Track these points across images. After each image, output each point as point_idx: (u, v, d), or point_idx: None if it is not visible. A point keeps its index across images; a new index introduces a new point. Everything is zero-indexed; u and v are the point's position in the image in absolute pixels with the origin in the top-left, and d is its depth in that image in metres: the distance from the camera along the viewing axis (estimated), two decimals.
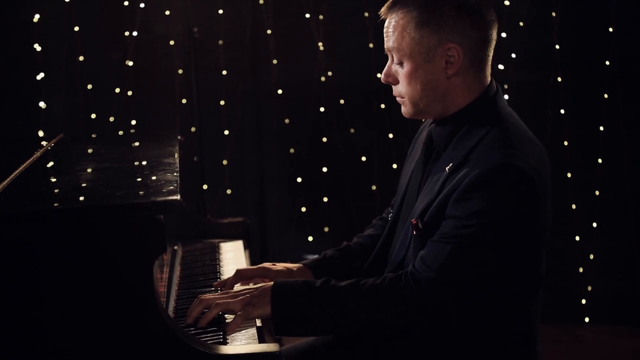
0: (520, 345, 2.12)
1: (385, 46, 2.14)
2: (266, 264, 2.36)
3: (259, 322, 2.11)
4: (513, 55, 4.35)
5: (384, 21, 2.16)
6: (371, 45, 4.42)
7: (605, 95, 4.37)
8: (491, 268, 2.00)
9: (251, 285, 2.22)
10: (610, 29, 4.32)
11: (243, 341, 2.03)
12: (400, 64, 2.12)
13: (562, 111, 4.38)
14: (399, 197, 2.31)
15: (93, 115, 4.38)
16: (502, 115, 2.10)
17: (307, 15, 4.44)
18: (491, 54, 2.13)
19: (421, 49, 2.08)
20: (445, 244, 1.99)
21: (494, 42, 2.13)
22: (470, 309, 2.04)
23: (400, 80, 2.13)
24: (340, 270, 2.38)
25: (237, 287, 2.30)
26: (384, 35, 2.14)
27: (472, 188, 1.98)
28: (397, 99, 2.18)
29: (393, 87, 2.17)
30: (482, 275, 1.99)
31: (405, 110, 2.17)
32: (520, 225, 2.00)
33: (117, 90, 4.38)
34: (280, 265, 2.36)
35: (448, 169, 2.07)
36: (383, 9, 2.15)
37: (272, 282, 2.09)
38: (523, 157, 2.00)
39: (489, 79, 2.14)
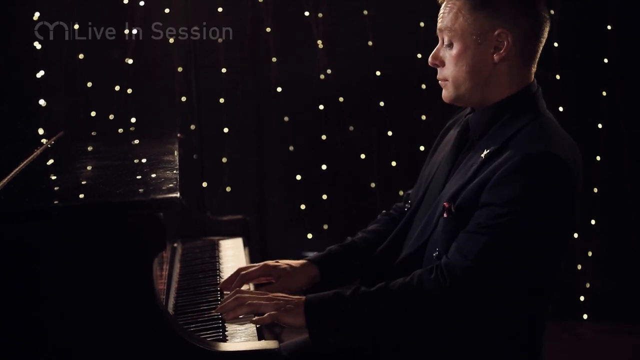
0: (536, 332, 2.14)
1: (438, 27, 2.17)
2: (269, 262, 2.37)
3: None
4: None
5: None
6: (370, 43, 4.43)
7: (604, 94, 4.38)
8: (526, 256, 2.01)
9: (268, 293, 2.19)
10: (609, 28, 4.33)
11: (242, 338, 2.03)
12: (450, 45, 2.15)
13: (561, 109, 4.38)
14: (422, 187, 2.31)
15: (93, 114, 4.38)
16: (542, 111, 2.14)
17: (307, 14, 4.45)
18: (539, 50, 2.16)
19: (473, 30, 2.11)
20: (482, 234, 2.00)
21: (544, 40, 2.16)
22: (500, 295, 2.04)
23: (447, 62, 2.16)
24: (345, 266, 2.40)
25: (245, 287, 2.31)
26: (439, 18, 2.17)
27: (510, 174, 2.00)
28: (440, 82, 2.19)
29: (438, 70, 2.19)
30: (519, 263, 2.00)
31: (446, 93, 2.18)
32: (556, 212, 2.01)
33: (117, 88, 4.39)
34: (283, 263, 2.36)
35: (484, 156, 2.08)
36: None
37: (303, 297, 2.09)
38: (562, 148, 2.04)
39: (533, 77, 2.17)
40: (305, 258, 2.41)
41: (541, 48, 2.16)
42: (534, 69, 2.17)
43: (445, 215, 2.09)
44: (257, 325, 2.08)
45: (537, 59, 2.17)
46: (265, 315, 2.07)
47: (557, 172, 2.00)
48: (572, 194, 2.04)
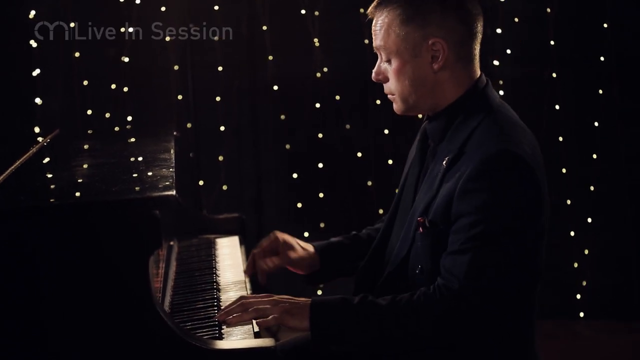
0: (529, 328, 2.14)
1: (374, 45, 2.17)
2: (279, 235, 2.44)
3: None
4: (508, 51, 4.35)
5: (372, 21, 2.18)
6: (367, 41, 4.42)
7: (600, 91, 4.38)
8: (511, 261, 2.00)
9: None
10: (605, 25, 4.34)
11: (239, 336, 2.03)
12: (389, 61, 2.15)
13: (557, 107, 4.39)
14: (395, 199, 2.33)
15: (89, 112, 4.38)
16: (493, 106, 2.13)
17: (303, 12, 4.45)
18: (478, 47, 2.15)
19: (407, 45, 2.10)
20: (465, 252, 1.99)
21: (480, 36, 2.15)
22: (499, 300, 2.03)
23: (390, 77, 2.16)
24: (348, 257, 2.43)
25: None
26: (372, 34, 2.17)
27: (473, 180, 2.00)
28: (389, 96, 2.20)
29: (384, 85, 2.19)
30: (506, 270, 2.00)
31: (396, 107, 2.19)
32: (526, 208, 2.01)
33: (113, 86, 4.38)
34: (294, 241, 2.44)
35: (445, 163, 2.09)
36: (370, 9, 2.18)
37: (309, 300, 2.09)
38: (518, 143, 2.03)
39: (478, 73, 2.16)
40: (312, 244, 2.45)
41: (479, 44, 2.15)
42: (477, 66, 2.16)
43: (420, 230, 2.10)
44: (257, 329, 2.07)
45: (477, 56, 2.16)
46: (269, 318, 2.06)
47: (518, 169, 2.00)
48: (537, 188, 2.03)
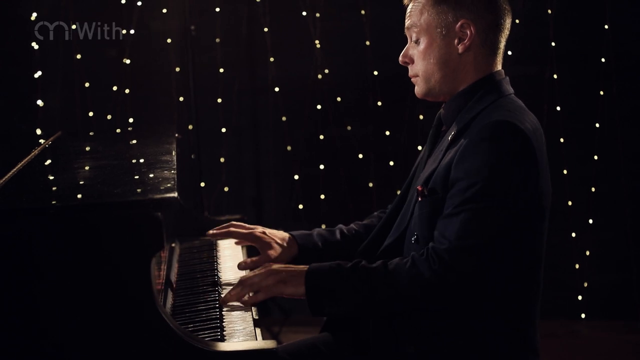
0: (528, 322, 2.16)
1: (406, 26, 2.27)
2: (257, 232, 2.53)
3: (255, 314, 2.13)
4: (509, 52, 4.34)
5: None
6: (367, 42, 4.43)
7: (601, 92, 4.39)
8: (503, 225, 2.04)
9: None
10: (606, 26, 4.34)
11: (240, 338, 2.03)
12: (417, 42, 2.23)
13: (558, 108, 4.39)
14: (405, 184, 2.39)
15: (90, 113, 4.39)
16: (505, 93, 2.21)
17: (304, 13, 4.45)
18: (503, 42, 2.24)
19: (437, 24, 2.20)
20: (457, 214, 2.05)
21: (507, 33, 2.24)
22: (488, 274, 2.06)
23: (416, 58, 2.24)
24: (322, 252, 2.51)
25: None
26: (406, 18, 2.26)
27: (471, 146, 2.07)
28: (412, 79, 2.28)
29: (409, 67, 2.28)
30: (497, 234, 2.04)
31: (418, 89, 2.27)
32: (521, 178, 2.06)
33: (115, 87, 4.39)
34: (269, 236, 2.53)
35: (450, 138, 2.16)
36: None
37: (306, 267, 2.16)
38: (521, 120, 2.10)
39: (499, 67, 2.25)
40: (290, 234, 2.54)
41: (504, 40, 2.24)
42: (499, 60, 2.25)
43: (419, 199, 2.15)
44: (255, 318, 2.11)
45: (501, 50, 2.24)
46: (263, 290, 2.14)
47: (516, 139, 2.06)
48: (535, 162, 2.08)
